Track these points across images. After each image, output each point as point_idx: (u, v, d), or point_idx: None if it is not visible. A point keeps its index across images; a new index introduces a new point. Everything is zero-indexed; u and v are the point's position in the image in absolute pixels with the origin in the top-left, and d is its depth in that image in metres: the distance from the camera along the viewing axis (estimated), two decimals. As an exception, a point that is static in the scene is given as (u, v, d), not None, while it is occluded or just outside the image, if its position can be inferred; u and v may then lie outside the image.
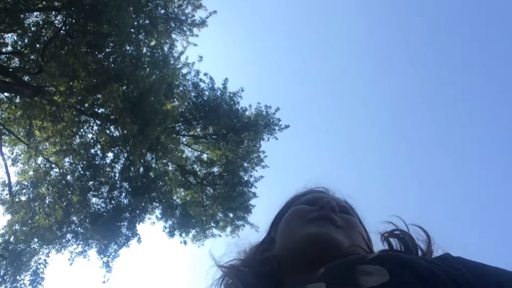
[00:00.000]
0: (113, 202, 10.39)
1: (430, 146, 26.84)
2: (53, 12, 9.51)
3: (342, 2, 25.97)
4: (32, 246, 9.99)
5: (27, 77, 9.93)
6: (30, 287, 9.66)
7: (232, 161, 12.75)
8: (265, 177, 13.22)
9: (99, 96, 8.90)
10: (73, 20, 8.88)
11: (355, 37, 26.98)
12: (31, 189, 10.54)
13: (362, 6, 25.27)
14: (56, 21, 9.53)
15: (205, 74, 12.42)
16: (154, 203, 11.33)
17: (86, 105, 9.33)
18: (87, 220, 10.15)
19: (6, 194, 10.40)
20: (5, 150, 10.77)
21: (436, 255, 0.84)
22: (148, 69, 9.67)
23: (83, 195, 10.06)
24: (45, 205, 10.21)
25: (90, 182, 10.23)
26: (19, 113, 9.78)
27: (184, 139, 13.32)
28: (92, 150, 10.15)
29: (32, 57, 9.45)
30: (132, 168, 10.58)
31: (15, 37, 9.43)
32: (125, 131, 9.05)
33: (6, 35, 9.33)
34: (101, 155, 10.23)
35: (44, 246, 10.17)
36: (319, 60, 27.60)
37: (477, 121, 25.05)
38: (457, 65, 25.69)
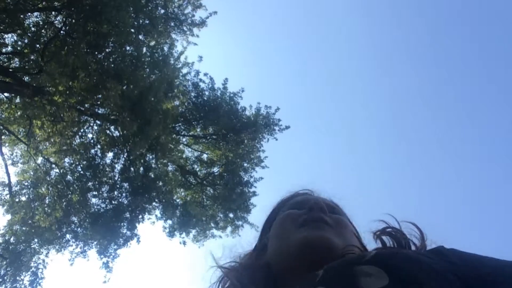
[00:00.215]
0: (113, 202, 10.39)
1: (430, 147, 26.84)
2: (53, 12, 9.51)
3: (342, 3, 25.99)
4: (32, 247, 9.99)
5: (27, 77, 9.93)
6: (30, 288, 9.67)
7: (232, 161, 12.74)
8: (265, 177, 13.24)
9: (99, 96, 8.90)
10: (73, 20, 8.87)
11: (355, 37, 26.98)
12: (31, 189, 10.54)
13: (362, 7, 25.28)
14: (56, 22, 9.53)
15: (205, 74, 12.43)
16: (154, 203, 11.32)
17: (86, 105, 9.33)
18: (87, 220, 10.14)
19: (6, 194, 10.41)
20: (5, 150, 10.77)
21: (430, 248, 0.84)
22: (148, 69, 9.67)
23: (83, 195, 10.06)
24: (45, 205, 10.21)
25: (90, 182, 10.23)
26: (19, 113, 9.78)
27: (184, 139, 13.32)
28: (92, 150, 10.15)
29: (32, 57, 9.45)
30: (132, 168, 10.58)
31: (15, 37, 9.44)
32: (125, 131, 9.05)
33: (6, 36, 9.33)
34: (101, 155, 10.23)
35: (44, 246, 10.17)
36: (319, 61, 27.60)
37: (477, 122, 25.04)
38: (457, 66, 25.68)
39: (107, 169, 10.45)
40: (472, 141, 26.16)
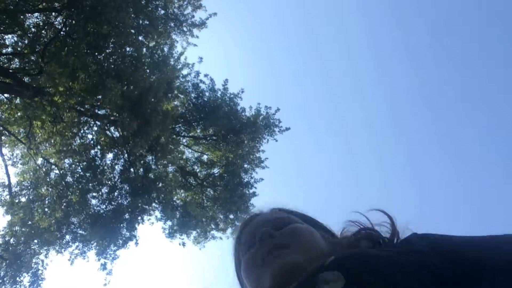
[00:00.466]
0: (113, 203, 10.37)
1: (430, 147, 26.83)
2: (53, 13, 9.50)
3: (342, 3, 26.00)
4: (32, 247, 9.97)
5: (27, 78, 9.93)
6: (30, 289, 9.65)
7: (232, 162, 12.73)
8: (266, 178, 13.24)
9: (99, 97, 8.89)
10: (73, 21, 8.87)
11: (355, 37, 26.99)
12: (31, 190, 10.53)
13: (362, 7, 25.29)
14: (56, 22, 9.53)
15: (206, 75, 12.43)
16: (154, 204, 11.31)
17: (86, 106, 9.32)
18: (87, 221, 10.13)
19: (6, 195, 10.40)
20: (5, 151, 10.77)
21: (405, 235, 0.84)
22: (148, 70, 9.66)
23: (83, 196, 10.04)
24: (45, 206, 10.20)
25: (90, 183, 10.22)
26: (19, 114, 9.78)
27: (184, 140, 13.32)
28: (92, 151, 10.14)
29: (32, 58, 9.45)
30: (132, 169, 10.57)
31: (15, 38, 9.44)
32: (125, 132, 9.05)
33: (6, 36, 9.33)
34: (100, 156, 10.22)
35: (44, 247, 10.15)
36: (319, 61, 27.61)
37: (477, 122, 25.04)
38: (457, 66, 25.69)
39: (107, 170, 10.44)
40: (472, 141, 26.15)
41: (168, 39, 10.96)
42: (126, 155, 10.48)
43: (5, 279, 9.59)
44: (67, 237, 10.38)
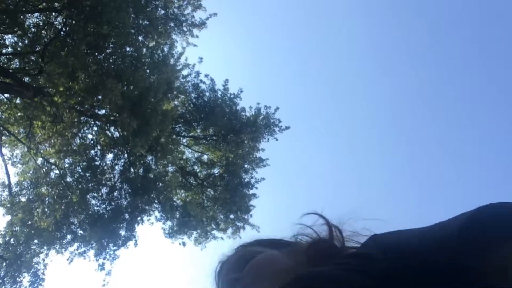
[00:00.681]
0: (113, 203, 10.37)
1: (430, 147, 26.82)
2: (53, 13, 9.50)
3: (342, 3, 26.00)
4: (32, 247, 9.96)
5: (27, 78, 9.93)
6: (30, 289, 9.63)
7: (232, 162, 12.73)
8: (266, 177, 13.24)
9: (99, 97, 8.89)
10: (73, 21, 8.87)
11: (355, 37, 26.99)
12: (31, 190, 10.53)
13: (362, 7, 25.30)
14: (56, 22, 9.53)
15: (206, 75, 12.44)
16: (154, 205, 11.30)
17: (86, 106, 9.32)
18: (87, 221, 10.12)
19: (6, 195, 10.39)
20: (5, 151, 10.77)
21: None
22: (148, 70, 9.66)
23: (83, 196, 10.04)
24: (45, 206, 10.19)
25: (90, 183, 10.21)
26: (19, 114, 9.78)
27: (184, 140, 13.31)
28: (92, 151, 10.13)
29: (32, 58, 9.45)
30: (132, 169, 10.56)
31: (15, 38, 9.43)
32: (125, 132, 9.04)
33: (6, 36, 9.33)
34: (100, 156, 10.21)
35: (44, 247, 10.14)
36: (319, 61, 27.62)
37: (477, 122, 25.04)
38: (457, 66, 25.69)
39: (107, 170, 10.44)
40: (472, 141, 26.15)
41: (168, 39, 10.96)
42: (126, 155, 10.47)
43: (5, 279, 9.58)
44: (67, 237, 10.37)
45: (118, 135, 9.95)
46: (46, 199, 10.41)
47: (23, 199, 10.43)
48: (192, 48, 12.02)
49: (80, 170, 10.35)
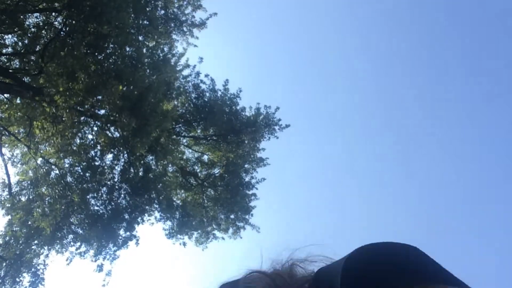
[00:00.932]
0: (113, 203, 10.36)
1: (430, 147, 26.80)
2: (53, 13, 9.49)
3: (342, 3, 25.99)
4: (32, 248, 9.95)
5: (27, 78, 9.92)
6: (30, 289, 9.62)
7: (232, 162, 12.71)
8: (266, 177, 13.22)
9: (99, 97, 8.88)
10: (73, 21, 8.86)
11: (355, 37, 26.97)
12: (31, 190, 10.53)
13: (362, 7, 25.27)
14: (56, 23, 9.52)
15: (206, 76, 12.42)
16: (154, 205, 11.29)
17: (86, 106, 9.31)
18: (87, 221, 10.11)
19: (6, 195, 10.39)
20: (5, 150, 10.77)
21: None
22: (148, 70, 9.65)
23: (83, 196, 10.03)
24: (45, 206, 10.18)
25: (90, 184, 10.20)
26: (19, 114, 9.77)
27: (184, 140, 13.30)
28: (92, 152, 10.12)
29: (32, 57, 9.45)
30: (132, 170, 10.55)
31: (15, 38, 9.43)
32: (125, 132, 9.03)
33: (6, 36, 9.32)
34: (100, 156, 10.20)
35: (44, 247, 10.13)
36: (319, 61, 27.60)
37: (477, 123, 25.04)
38: (457, 66, 25.69)
39: (107, 170, 10.43)
40: (472, 142, 26.15)
41: (168, 39, 10.95)
42: (126, 155, 10.46)
43: (5, 279, 9.58)
44: (67, 237, 10.36)
45: (118, 135, 9.94)
46: (46, 199, 10.41)
47: (23, 199, 10.43)
48: (192, 48, 12.03)
49: (80, 170, 10.34)
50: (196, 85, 12.44)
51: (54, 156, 10.13)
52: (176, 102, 11.79)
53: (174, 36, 11.34)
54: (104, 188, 10.41)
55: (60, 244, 10.31)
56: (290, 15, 26.43)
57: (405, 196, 26.62)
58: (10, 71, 9.58)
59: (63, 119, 8.78)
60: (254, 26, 26.77)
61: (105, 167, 10.40)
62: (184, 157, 13.41)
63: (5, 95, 9.77)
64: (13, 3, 8.57)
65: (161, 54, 10.26)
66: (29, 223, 9.95)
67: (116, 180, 10.58)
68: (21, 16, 8.85)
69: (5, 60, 9.53)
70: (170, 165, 12.43)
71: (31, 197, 10.47)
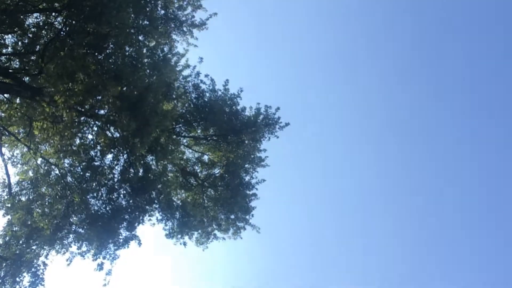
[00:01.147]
0: (113, 203, 10.34)
1: (430, 148, 26.77)
2: (53, 13, 9.48)
3: (342, 3, 25.97)
4: (32, 247, 9.93)
5: (27, 78, 9.91)
6: (30, 288, 9.59)
7: (233, 162, 12.69)
8: (266, 177, 13.22)
9: (99, 97, 8.86)
10: (73, 21, 8.84)
11: (355, 37, 26.95)
12: (31, 190, 10.51)
13: (362, 7, 25.26)
14: (56, 23, 9.50)
15: (206, 76, 12.40)
16: (154, 205, 11.27)
17: (86, 106, 9.29)
18: (87, 221, 10.09)
19: (6, 195, 10.38)
20: (4, 150, 10.76)
21: None
22: (148, 70, 9.63)
23: (83, 196, 10.02)
24: (45, 206, 10.17)
25: (90, 184, 10.19)
26: (19, 114, 9.76)
27: (184, 141, 13.28)
28: (92, 152, 10.10)
29: (32, 58, 9.43)
30: (132, 170, 10.53)
31: (15, 38, 9.41)
32: (124, 132, 9.01)
33: (6, 36, 9.31)
34: (100, 156, 10.18)
35: (45, 247, 10.11)
36: (320, 61, 27.58)
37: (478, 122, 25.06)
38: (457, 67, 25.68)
39: (107, 170, 10.41)
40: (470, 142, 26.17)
41: (168, 39, 10.93)
42: (126, 156, 10.44)
43: (5, 279, 9.55)
44: (68, 237, 10.33)
45: (118, 135, 9.92)
46: (46, 199, 10.39)
47: (23, 199, 10.41)
48: (193, 48, 12.02)
49: (80, 170, 10.32)
50: (196, 85, 12.42)
51: (54, 156, 10.11)
52: (176, 102, 11.77)
53: (174, 36, 11.33)
54: (104, 188, 10.39)
55: (61, 244, 10.29)
56: (290, 15, 26.42)
57: (405, 196, 26.60)
58: (10, 71, 9.56)
59: (63, 119, 8.76)
60: (254, 26, 26.76)
61: (105, 167, 10.39)
62: (184, 157, 13.39)
63: (5, 95, 9.76)
64: (13, 3, 8.55)
65: (161, 54, 10.24)
66: (29, 223, 9.93)
67: (116, 180, 10.56)
68: (21, 16, 8.83)
69: (5, 60, 9.51)
70: (170, 165, 12.41)
71: (31, 197, 10.45)
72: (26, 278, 9.66)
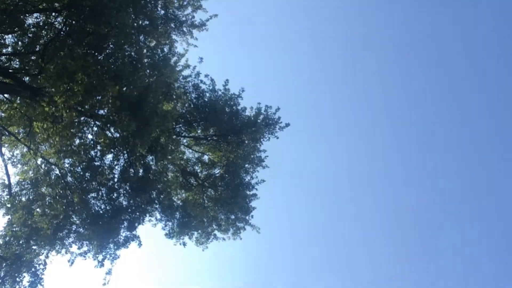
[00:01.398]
0: (113, 203, 10.33)
1: (430, 148, 26.76)
2: (53, 13, 9.47)
3: (342, 3, 25.96)
4: (32, 247, 9.92)
5: (27, 78, 9.90)
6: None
7: (233, 162, 12.68)
8: (266, 178, 13.21)
9: (99, 97, 8.84)
10: (73, 21, 8.83)
11: (354, 37, 26.93)
12: (31, 190, 10.50)
13: (362, 7, 25.25)
14: (56, 23, 9.50)
15: (206, 76, 12.40)
16: (154, 205, 11.26)
17: (86, 106, 9.28)
18: (87, 221, 10.08)
19: (6, 195, 10.37)
20: (4, 150, 10.75)
21: None
22: (148, 70, 9.63)
23: (83, 196, 10.01)
24: (45, 206, 10.16)
25: (90, 184, 10.18)
26: (19, 114, 9.75)
27: (184, 141, 13.27)
28: (92, 152, 10.10)
29: (32, 57, 9.42)
30: (132, 170, 10.52)
31: (15, 38, 9.41)
32: (124, 132, 9.00)
33: (6, 36, 9.31)
34: (100, 156, 10.18)
35: (45, 247, 10.10)
36: (320, 61, 27.57)
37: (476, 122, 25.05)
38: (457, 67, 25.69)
39: (107, 170, 10.40)
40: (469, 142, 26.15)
41: (168, 40, 10.93)
42: (126, 156, 10.44)
43: (5, 279, 9.55)
44: (68, 237, 10.32)
45: (118, 135, 9.91)
46: (46, 199, 10.39)
47: (23, 199, 10.40)
48: (193, 48, 12.01)
49: (80, 170, 10.32)
50: (196, 85, 12.41)
51: (54, 156, 10.11)
52: (176, 102, 11.77)
53: (174, 37, 11.34)
54: (105, 188, 10.39)
55: (61, 244, 10.28)
56: (290, 16, 26.42)
57: (405, 196, 26.59)
58: (10, 71, 9.56)
59: (63, 119, 8.75)
60: (254, 26, 26.75)
61: (105, 167, 10.38)
62: (185, 157, 13.39)
63: (5, 95, 9.75)
64: (13, 3, 8.55)
65: (161, 54, 10.24)
66: (29, 223, 9.92)
67: (116, 180, 10.56)
68: (21, 16, 8.82)
69: (5, 60, 9.50)
70: (170, 165, 12.40)
71: (31, 197, 10.44)
72: (26, 278, 9.67)
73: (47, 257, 10.10)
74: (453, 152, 25.70)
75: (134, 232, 10.38)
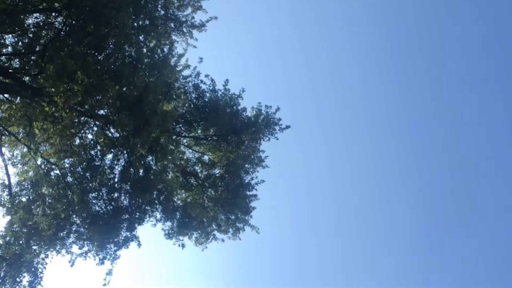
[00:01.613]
0: (113, 203, 10.32)
1: (430, 148, 26.77)
2: (53, 13, 9.47)
3: (342, 3, 25.97)
4: (32, 247, 9.92)
5: (27, 78, 9.90)
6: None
7: (233, 162, 12.67)
8: (266, 178, 13.21)
9: (99, 97, 8.84)
10: (73, 21, 8.84)
11: (355, 37, 26.94)
12: (31, 190, 10.50)
13: (362, 7, 25.26)
14: (56, 23, 9.50)
15: (206, 76, 12.39)
16: (154, 205, 11.25)
17: (86, 106, 9.28)
18: (87, 221, 10.08)
19: (7, 195, 10.36)
20: (4, 150, 10.74)
21: None
22: (148, 70, 9.62)
23: (83, 196, 10.00)
24: (45, 206, 10.16)
25: (90, 184, 10.17)
26: (19, 114, 9.74)
27: (185, 141, 13.26)
28: (92, 152, 10.09)
29: (32, 57, 9.42)
30: (132, 170, 10.52)
31: (15, 38, 9.41)
32: (124, 132, 9.00)
33: (6, 36, 9.31)
34: (100, 156, 10.17)
35: (45, 247, 10.10)
36: (320, 61, 27.58)
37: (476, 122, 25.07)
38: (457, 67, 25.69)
39: (107, 170, 10.40)
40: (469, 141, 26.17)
41: (168, 40, 10.92)
42: (126, 156, 10.43)
43: (5, 279, 9.54)
44: (68, 237, 10.32)
45: (118, 135, 9.91)
46: (47, 199, 10.38)
47: (23, 199, 10.40)
48: (192, 48, 12.01)
49: (80, 170, 10.31)
50: (196, 85, 12.40)
51: (54, 156, 10.11)
52: (176, 103, 11.77)
53: (174, 37, 11.34)
54: (105, 188, 10.38)
55: (61, 244, 10.28)
56: (290, 16, 26.42)
57: (405, 196, 26.60)
58: (10, 71, 9.55)
59: (63, 119, 8.75)
60: (254, 26, 26.76)
61: (105, 167, 10.38)
62: (185, 157, 13.38)
63: (5, 95, 9.74)
64: (13, 3, 8.55)
65: (161, 54, 10.24)
66: (30, 223, 9.92)
67: (116, 180, 10.55)
68: (21, 16, 8.82)
69: (5, 60, 9.50)
70: (170, 165, 12.39)
71: (31, 197, 10.44)
72: (26, 278, 9.67)
73: (47, 257, 10.10)
74: (453, 152, 25.72)
75: (134, 233, 10.37)
